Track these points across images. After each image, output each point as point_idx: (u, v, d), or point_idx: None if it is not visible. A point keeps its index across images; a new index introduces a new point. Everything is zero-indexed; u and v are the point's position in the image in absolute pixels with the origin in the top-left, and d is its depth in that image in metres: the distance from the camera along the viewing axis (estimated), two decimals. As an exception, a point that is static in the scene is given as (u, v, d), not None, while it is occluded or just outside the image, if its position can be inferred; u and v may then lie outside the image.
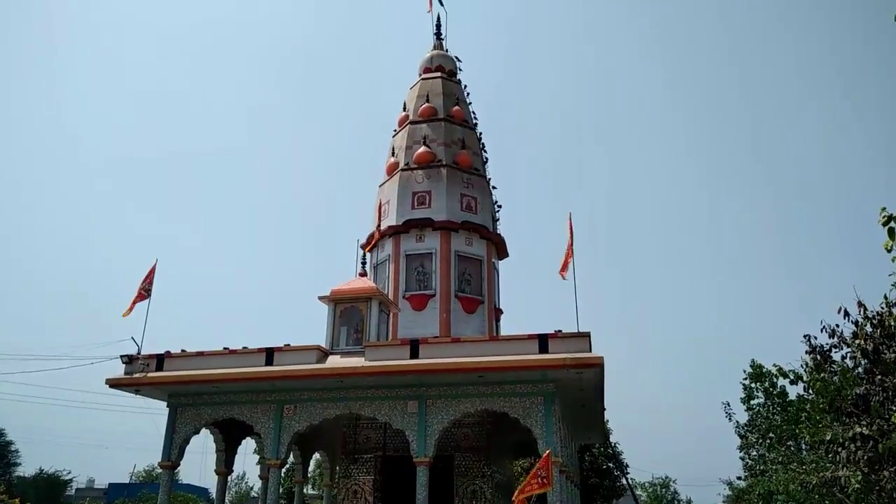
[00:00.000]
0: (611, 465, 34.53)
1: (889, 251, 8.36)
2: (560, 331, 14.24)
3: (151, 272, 16.59)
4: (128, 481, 48.70)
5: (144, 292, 16.13)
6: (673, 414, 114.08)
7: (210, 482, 53.72)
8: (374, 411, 15.24)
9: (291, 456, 20.22)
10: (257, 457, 36.87)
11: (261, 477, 20.38)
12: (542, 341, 14.20)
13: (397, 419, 15.03)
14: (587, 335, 14.10)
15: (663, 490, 49.91)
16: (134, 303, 15.95)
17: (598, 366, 13.67)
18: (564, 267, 14.97)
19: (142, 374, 15.37)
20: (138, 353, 15.72)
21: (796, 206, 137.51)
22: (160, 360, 15.77)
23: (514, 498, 13.11)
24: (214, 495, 18.65)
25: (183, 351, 16.00)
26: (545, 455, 13.12)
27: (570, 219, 15.64)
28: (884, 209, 7.86)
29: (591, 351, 13.90)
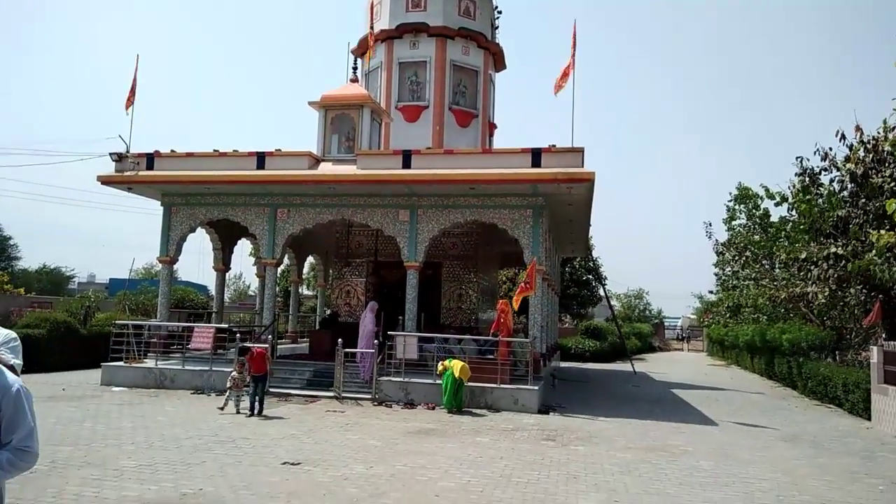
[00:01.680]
0: (590, 276, 36.32)
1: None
2: (554, 145, 14.08)
3: (135, 69, 15.88)
4: (128, 277, 50.84)
5: (132, 92, 15.54)
6: (654, 233, 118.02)
7: (209, 280, 56.29)
8: (366, 218, 15.53)
9: (287, 258, 21.00)
10: (253, 258, 38.38)
11: (258, 276, 21.35)
12: (535, 155, 14.09)
13: (389, 226, 15.37)
14: (580, 150, 13.98)
15: (637, 301, 53.12)
16: (130, 99, 15.45)
17: (588, 181, 13.72)
18: (564, 78, 14.42)
19: (132, 173, 15.33)
20: (127, 152, 15.53)
21: (805, 24, 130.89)
22: (150, 160, 15.65)
23: (504, 301, 13.90)
24: (214, 291, 19.58)
25: (172, 151, 15.84)
26: (531, 263, 13.72)
27: (575, 27, 14.79)
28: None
29: (583, 166, 13.87)
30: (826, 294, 17.32)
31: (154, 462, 7.58)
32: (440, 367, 12.70)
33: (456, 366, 12.33)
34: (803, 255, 17.67)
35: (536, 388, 13.07)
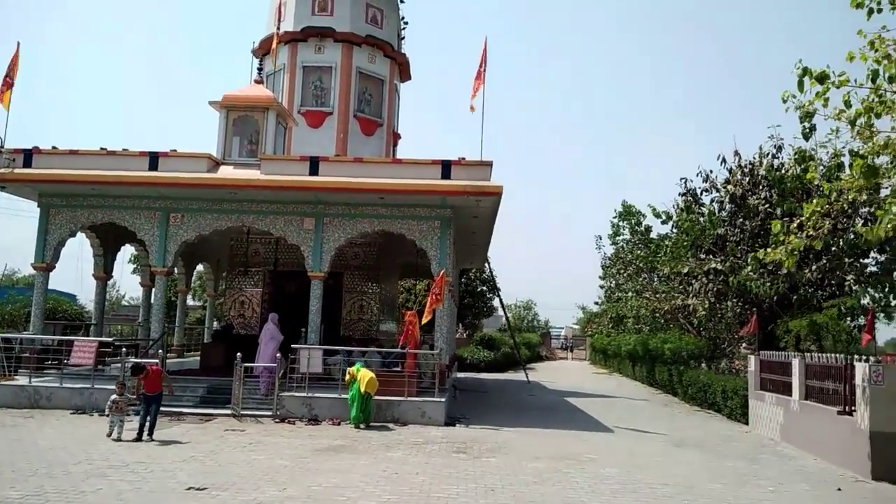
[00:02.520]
0: (484, 287, 37.03)
1: (784, 101, 8.85)
2: (463, 158, 14.25)
3: (15, 58, 14.39)
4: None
5: (8, 80, 14.06)
6: (546, 245, 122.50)
7: (75, 288, 52.01)
8: (268, 225, 14.96)
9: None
10: (132, 266, 35.91)
11: (142, 284, 19.95)
12: (445, 167, 14.19)
13: (293, 234, 14.89)
14: (489, 164, 14.24)
15: (526, 311, 54.78)
16: (4, 92, 13.91)
17: (497, 194, 13.99)
18: (475, 92, 14.65)
19: (8, 170, 13.87)
20: (1, 147, 14.04)
21: (698, 55, 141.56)
22: (28, 156, 14.23)
23: (411, 312, 13.82)
24: (85, 300, 18.09)
25: (54, 148, 14.50)
26: (440, 275, 13.75)
27: (486, 43, 15.07)
28: (800, 61, 8.17)
29: (490, 180, 14.12)
30: (706, 306, 18.65)
31: (43, 491, 6.81)
32: (348, 377, 12.40)
33: (363, 378, 12.06)
34: (685, 270, 18.93)
35: (443, 400, 13.08)
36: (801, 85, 8.00)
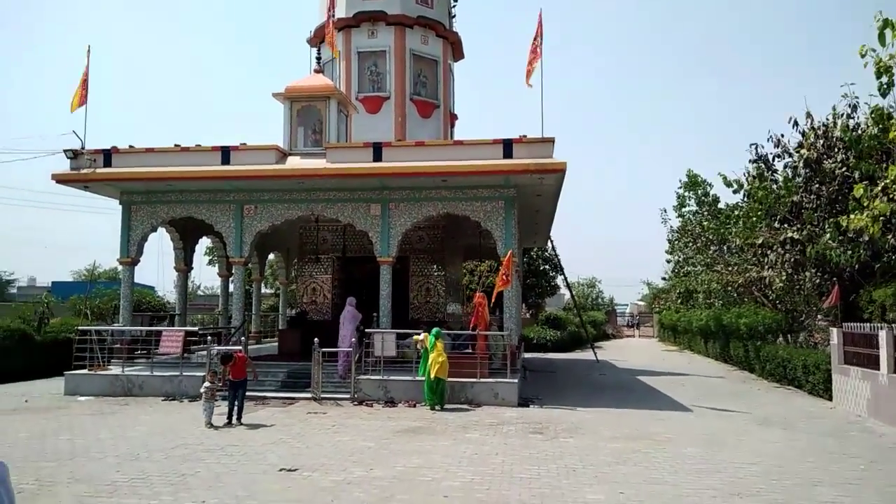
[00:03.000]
0: (547, 266, 36.74)
1: (862, 56, 8.36)
2: (525, 136, 14.11)
3: (87, 62, 15.08)
4: (71, 280, 48.81)
5: (84, 84, 14.76)
6: (607, 220, 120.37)
7: (153, 280, 54.36)
8: (336, 213, 15.25)
9: (247, 255, 20.43)
10: (207, 257, 37.28)
11: (220, 275, 20.73)
12: (507, 146, 14.10)
13: (360, 221, 15.13)
14: (551, 140, 14.05)
15: (590, 289, 54.10)
16: (81, 95, 14.63)
17: (560, 171, 13.81)
18: (530, 70, 14.44)
19: (90, 170, 14.60)
20: (82, 148, 14.78)
21: (757, 22, 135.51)
22: (107, 156, 14.93)
23: (480, 294, 13.90)
24: (177, 291, 18.90)
25: (131, 147, 15.15)
26: (507, 256, 13.74)
27: (540, 16, 14.80)
28: (880, 13, 7.70)
29: (553, 157, 13.96)
30: (783, 278, 17.96)
31: (146, 475, 7.25)
32: (418, 340, 12.70)
33: (434, 363, 12.21)
34: (760, 241, 18.25)
35: (515, 381, 13.13)
36: (881, 38, 7.51)
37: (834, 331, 14.03)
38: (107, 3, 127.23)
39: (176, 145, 15.07)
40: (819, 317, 18.97)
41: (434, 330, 12.78)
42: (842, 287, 15.66)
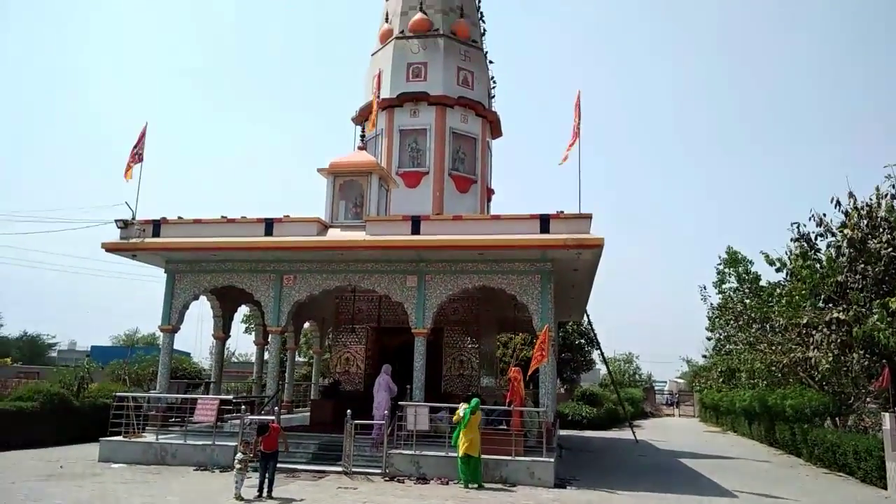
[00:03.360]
0: (583, 340, 36.19)
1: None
2: (562, 211, 14.26)
3: (142, 135, 15.93)
4: (109, 344, 49.74)
5: (137, 156, 15.56)
6: (645, 296, 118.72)
7: (189, 346, 55.03)
8: (373, 284, 15.42)
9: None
10: (244, 325, 37.77)
11: (255, 343, 20.93)
12: (544, 221, 14.23)
13: (396, 292, 15.26)
14: (588, 216, 14.16)
15: (627, 365, 52.87)
16: (129, 166, 15.41)
17: (598, 246, 13.84)
18: (570, 147, 14.73)
19: (139, 240, 15.16)
20: (133, 218, 15.41)
21: (792, 98, 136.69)
22: (156, 226, 15.52)
23: (516, 369, 13.73)
24: (213, 358, 19.08)
25: (180, 218, 15.73)
26: (544, 330, 13.62)
27: (578, 97, 15.20)
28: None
29: (590, 232, 14.03)
30: (829, 359, 17.36)
31: (178, 548, 7.16)
32: (456, 417, 12.43)
33: (463, 442, 11.98)
34: (805, 320, 17.78)
35: (551, 460, 12.74)
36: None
37: (886, 416, 13.40)
38: (163, 80, 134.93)
39: (222, 216, 15.59)
40: (868, 400, 18.17)
41: (473, 401, 12.58)
42: (892, 369, 15.04)
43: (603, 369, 43.32)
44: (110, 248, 15.38)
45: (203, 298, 17.84)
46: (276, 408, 14.34)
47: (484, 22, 23.30)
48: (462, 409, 12.51)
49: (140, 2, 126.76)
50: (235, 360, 51.11)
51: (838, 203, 17.13)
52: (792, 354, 19.26)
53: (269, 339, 17.04)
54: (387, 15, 22.31)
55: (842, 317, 16.19)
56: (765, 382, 25.42)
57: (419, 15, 21.25)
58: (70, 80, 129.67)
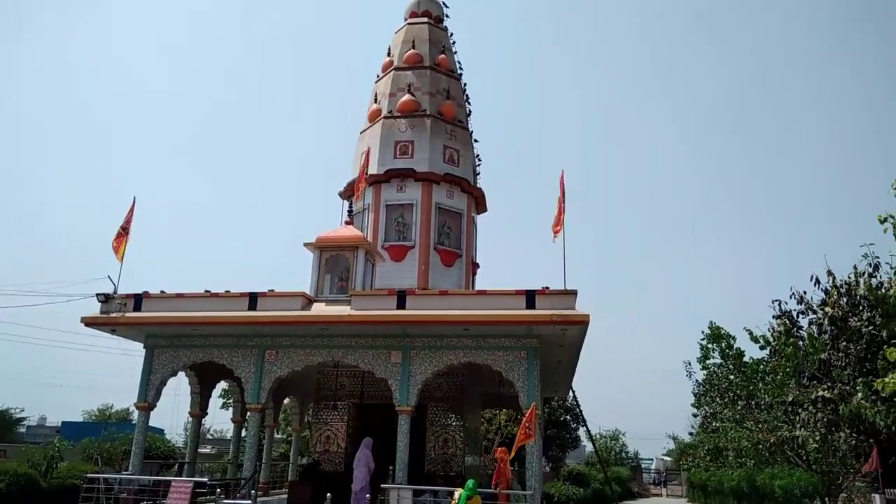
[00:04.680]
0: (568, 416, 35.64)
1: (882, 222, 8.62)
2: (547, 287, 14.34)
3: (131, 210, 15.95)
4: (81, 420, 48.07)
5: (123, 231, 15.52)
6: (628, 372, 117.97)
7: (163, 423, 53.34)
8: (357, 359, 15.21)
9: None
10: (220, 401, 36.81)
11: (233, 420, 20.31)
12: (530, 297, 14.28)
13: (380, 368, 15.04)
14: (573, 293, 14.24)
15: (612, 442, 51.91)
16: (120, 243, 15.33)
17: (583, 323, 13.86)
18: (557, 225, 14.96)
19: (119, 314, 14.92)
20: (115, 292, 15.22)
21: (769, 179, 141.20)
22: (138, 301, 15.31)
23: (502, 449, 13.43)
24: (189, 437, 18.47)
25: (162, 292, 15.56)
26: (531, 408, 13.43)
27: (563, 176, 15.56)
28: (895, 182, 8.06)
29: (575, 308, 14.07)
30: (816, 438, 17.23)
31: None
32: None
33: None
34: (790, 398, 17.74)
35: (539, 546, 12.30)
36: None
37: (876, 497, 13.26)
38: (151, 152, 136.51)
39: (206, 291, 15.46)
40: (858, 479, 17.92)
41: (469, 483, 12.13)
42: (881, 449, 14.94)
43: (589, 446, 42.51)
44: (90, 323, 15.09)
45: (181, 374, 17.45)
46: (253, 491, 13.81)
47: (469, 103, 24.04)
48: (457, 494, 12.06)
49: (134, 76, 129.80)
50: (211, 437, 49.53)
51: (818, 281, 17.41)
52: (779, 433, 19.10)
53: (247, 417, 16.57)
54: (376, 96, 22.99)
55: (827, 395, 16.18)
56: (753, 461, 25.03)
57: (407, 96, 21.93)
58: (52, 152, 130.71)
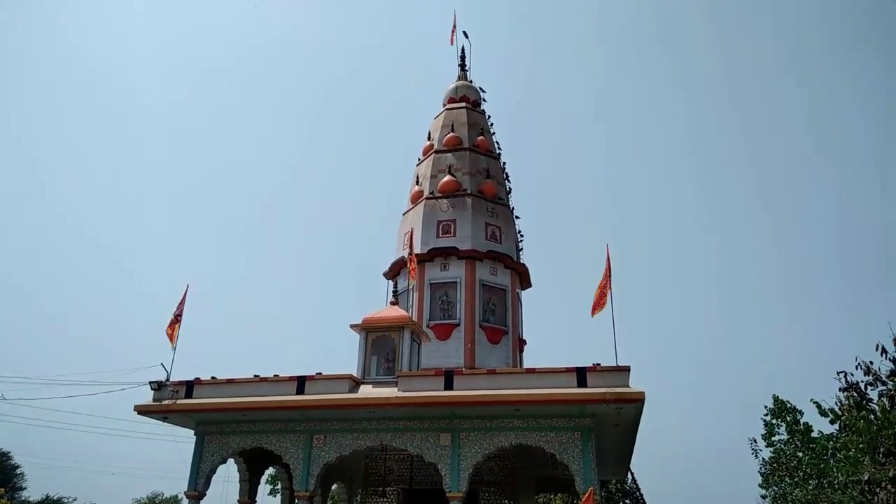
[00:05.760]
0: (628, 501, 33.89)
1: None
2: (598, 364, 13.99)
3: (183, 298, 16.41)
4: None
5: (176, 318, 15.93)
6: (689, 450, 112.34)
7: (213, 510, 52.79)
8: (405, 443, 14.92)
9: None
10: (269, 486, 36.33)
11: (281, 510, 19.94)
12: (581, 375, 13.93)
13: (429, 452, 14.69)
14: (626, 369, 13.84)
15: (675, 527, 48.94)
16: (173, 330, 15.73)
17: (638, 401, 13.39)
18: (601, 301, 14.74)
19: (171, 402, 15.10)
20: (167, 380, 15.47)
21: (824, 245, 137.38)
22: (189, 387, 15.50)
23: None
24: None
25: (213, 378, 15.74)
26: (588, 493, 12.84)
27: (608, 251, 15.45)
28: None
29: (629, 385, 13.65)
30: (900, 520, 15.92)
31: None
32: None
33: None
34: (866, 477, 16.56)
35: None
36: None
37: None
38: (199, 245, 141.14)
39: (255, 376, 15.56)
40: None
41: None
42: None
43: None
44: (142, 411, 15.28)
45: (229, 461, 17.37)
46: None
47: (509, 181, 24.44)
48: None
49: (183, 167, 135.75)
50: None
51: (884, 350, 16.54)
52: (858, 515, 17.75)
53: (295, 504, 16.26)
54: (417, 178, 23.60)
55: (907, 473, 15.05)
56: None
57: (448, 177, 22.44)
58: (106, 240, 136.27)
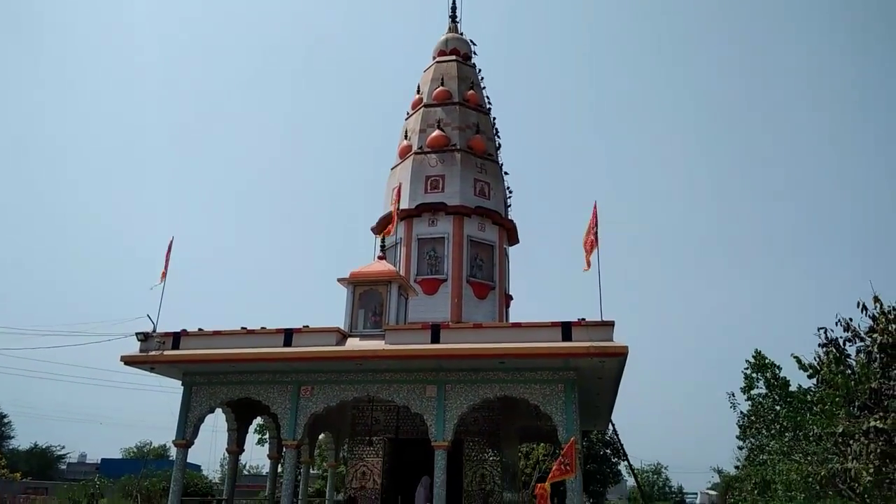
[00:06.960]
0: (608, 451, 34.83)
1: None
2: (583, 319, 14.14)
3: (169, 250, 16.32)
4: (119, 457, 48.63)
5: (164, 271, 15.87)
6: (668, 403, 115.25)
7: (201, 459, 53.67)
8: (391, 394, 15.13)
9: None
10: (257, 436, 36.92)
11: (269, 457, 20.32)
12: (566, 329, 14.09)
13: (415, 403, 14.93)
14: (611, 324, 14.01)
15: (655, 476, 50.44)
16: (163, 276, 15.72)
17: (621, 355, 13.61)
18: (588, 254, 14.81)
19: (158, 352, 15.16)
20: (154, 331, 15.49)
21: (812, 202, 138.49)
22: (176, 339, 15.55)
23: (542, 486, 13.13)
24: (227, 474, 18.50)
25: (200, 330, 15.78)
26: (570, 443, 13.13)
27: (595, 207, 15.44)
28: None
29: (613, 340, 13.84)
30: (871, 471, 16.46)
31: None
32: None
33: None
34: (840, 429, 17.04)
35: (583, 585, 11.91)
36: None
37: (942, 535, 12.52)
38: (183, 198, 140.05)
39: (242, 328, 15.62)
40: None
41: None
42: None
43: (631, 481, 41.36)
44: (129, 361, 15.35)
45: (217, 410, 17.57)
46: (291, 528, 13.70)
47: (499, 137, 24.19)
48: None
49: (168, 132, 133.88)
50: (247, 473, 49.58)
51: (864, 307, 16.82)
52: (830, 465, 18.32)
53: (283, 453, 16.55)
54: (406, 132, 23.30)
55: (880, 425, 15.49)
56: (803, 495, 24.00)
57: (437, 132, 22.18)
58: (89, 199, 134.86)
